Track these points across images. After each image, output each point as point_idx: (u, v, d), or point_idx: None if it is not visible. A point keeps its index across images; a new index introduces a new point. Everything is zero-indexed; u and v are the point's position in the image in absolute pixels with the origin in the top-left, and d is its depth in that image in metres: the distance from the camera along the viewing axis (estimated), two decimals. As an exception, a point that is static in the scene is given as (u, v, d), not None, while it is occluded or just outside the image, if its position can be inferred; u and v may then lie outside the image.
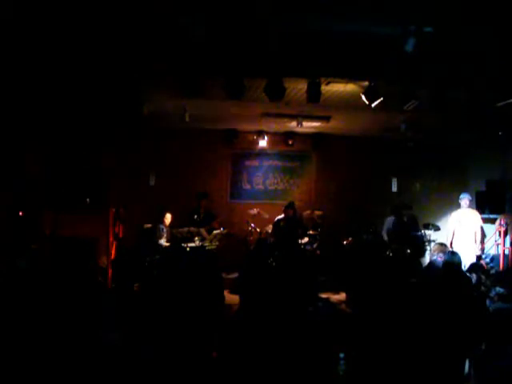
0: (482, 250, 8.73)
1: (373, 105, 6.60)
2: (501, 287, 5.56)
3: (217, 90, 6.20)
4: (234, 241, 9.32)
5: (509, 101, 6.67)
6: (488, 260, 8.70)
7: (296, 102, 7.20)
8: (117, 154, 9.58)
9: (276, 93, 6.27)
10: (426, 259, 9.22)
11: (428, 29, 4.83)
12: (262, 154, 10.64)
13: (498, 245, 8.89)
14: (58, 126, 9.06)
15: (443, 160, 10.96)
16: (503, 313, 4.71)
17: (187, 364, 3.77)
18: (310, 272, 4.33)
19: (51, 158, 8.97)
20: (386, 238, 9.22)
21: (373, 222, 9.41)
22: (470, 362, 5.26)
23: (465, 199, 8.49)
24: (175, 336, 3.80)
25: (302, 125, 8.73)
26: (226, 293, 7.38)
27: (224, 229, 8.62)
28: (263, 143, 10.29)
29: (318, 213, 9.77)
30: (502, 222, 8.73)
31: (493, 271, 7.94)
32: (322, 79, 6.37)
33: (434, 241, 9.39)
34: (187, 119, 7.99)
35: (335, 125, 9.35)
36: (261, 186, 10.69)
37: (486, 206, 9.27)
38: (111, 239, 7.88)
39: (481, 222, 8.56)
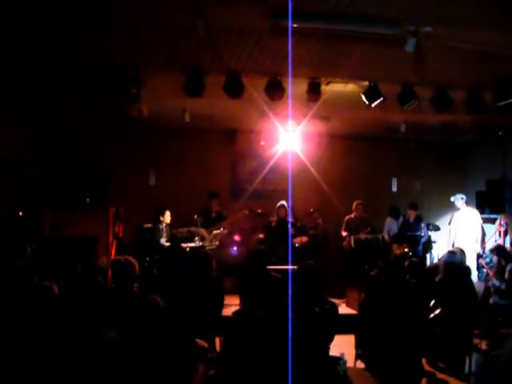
0: (483, 249, 8.74)
1: (373, 105, 6.61)
2: None
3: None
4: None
5: (509, 101, 6.67)
6: (488, 260, 8.70)
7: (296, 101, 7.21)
8: (117, 154, 9.57)
9: (276, 92, 6.29)
10: (431, 260, 9.24)
11: (428, 29, 4.83)
12: (262, 153, 10.62)
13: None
14: (57, 126, 9.07)
15: (443, 160, 10.96)
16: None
17: (187, 364, 3.77)
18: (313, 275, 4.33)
19: (51, 157, 8.97)
20: (386, 238, 9.24)
21: (373, 221, 9.41)
22: (470, 361, 5.28)
23: (457, 200, 8.52)
24: (175, 336, 3.80)
25: (301, 125, 8.72)
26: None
27: (224, 229, 8.63)
28: (263, 143, 10.28)
29: (318, 213, 9.76)
30: (502, 222, 8.74)
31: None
32: (322, 79, 6.39)
33: (434, 241, 9.41)
34: (187, 119, 8.00)
35: (335, 125, 9.35)
36: (261, 186, 10.67)
37: (486, 205, 9.28)
38: (111, 239, 7.87)
39: (481, 222, 8.57)
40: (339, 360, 3.63)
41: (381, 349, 4.36)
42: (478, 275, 8.10)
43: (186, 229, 8.31)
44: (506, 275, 6.29)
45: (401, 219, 9.49)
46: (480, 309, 6.02)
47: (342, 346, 4.22)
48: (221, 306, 5.43)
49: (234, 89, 6.26)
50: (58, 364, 3.38)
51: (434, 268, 6.29)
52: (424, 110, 7.16)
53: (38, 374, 3.34)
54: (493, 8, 4.40)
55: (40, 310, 3.77)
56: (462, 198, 8.56)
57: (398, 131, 8.81)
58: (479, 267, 8.27)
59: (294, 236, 8.76)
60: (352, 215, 9.33)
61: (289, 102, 7.04)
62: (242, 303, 5.23)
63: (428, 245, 9.20)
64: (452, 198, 8.62)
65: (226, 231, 8.65)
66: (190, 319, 4.22)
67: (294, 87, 6.49)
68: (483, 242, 8.75)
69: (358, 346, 4.78)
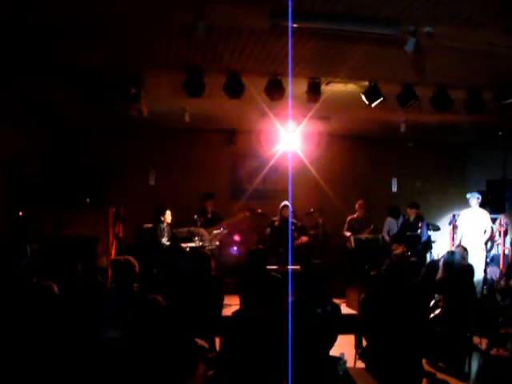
0: (490, 248, 8.69)
1: (373, 105, 6.61)
2: None
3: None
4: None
5: (509, 100, 6.67)
6: (488, 260, 8.69)
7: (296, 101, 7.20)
8: (117, 154, 9.57)
9: (276, 92, 6.29)
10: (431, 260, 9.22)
11: (428, 29, 4.83)
12: (262, 153, 10.61)
13: (497, 245, 8.88)
14: (57, 126, 9.07)
15: (443, 160, 10.96)
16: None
17: (187, 363, 3.77)
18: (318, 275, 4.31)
19: (51, 157, 8.97)
20: (386, 238, 9.23)
21: (373, 221, 9.40)
22: (469, 361, 5.28)
23: (472, 198, 8.48)
24: (175, 335, 3.80)
25: (301, 125, 8.72)
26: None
27: (224, 229, 8.63)
28: (263, 143, 10.27)
29: (318, 213, 9.76)
30: (502, 222, 8.72)
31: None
32: (322, 79, 6.39)
33: (434, 241, 9.40)
34: (187, 119, 8.00)
35: (335, 125, 9.35)
36: (261, 186, 10.67)
37: (486, 205, 9.28)
38: (111, 239, 7.87)
39: (490, 222, 8.52)
40: (339, 360, 3.64)
41: (381, 349, 4.36)
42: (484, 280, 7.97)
43: (185, 229, 8.31)
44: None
45: (401, 219, 9.49)
46: (480, 309, 6.02)
47: (342, 346, 4.22)
48: (221, 305, 5.43)
49: (234, 89, 6.25)
50: (59, 364, 3.38)
51: (434, 266, 6.28)
52: (424, 110, 7.15)
53: (39, 374, 3.34)
54: (493, 8, 4.40)
55: (40, 310, 3.77)
56: (478, 198, 8.52)
57: (397, 131, 8.80)
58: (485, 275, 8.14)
59: (296, 238, 8.77)
60: (355, 215, 9.32)
61: (289, 102, 7.05)
62: (242, 303, 5.22)
63: (428, 245, 9.19)
64: (468, 195, 8.56)
65: (225, 231, 8.65)
66: (189, 319, 4.23)
67: (294, 87, 6.48)
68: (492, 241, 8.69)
69: (357, 345, 4.78)
